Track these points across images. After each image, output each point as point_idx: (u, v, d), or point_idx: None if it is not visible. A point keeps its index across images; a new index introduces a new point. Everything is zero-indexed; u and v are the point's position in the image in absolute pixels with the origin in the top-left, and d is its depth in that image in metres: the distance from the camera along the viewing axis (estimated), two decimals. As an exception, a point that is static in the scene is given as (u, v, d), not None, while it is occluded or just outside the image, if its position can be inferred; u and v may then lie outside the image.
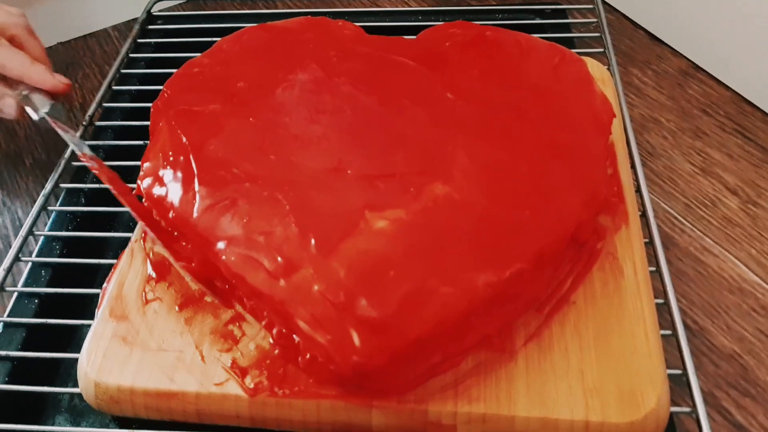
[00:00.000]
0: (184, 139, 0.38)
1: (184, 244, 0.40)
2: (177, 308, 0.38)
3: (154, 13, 0.64)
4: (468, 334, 0.35)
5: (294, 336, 0.33)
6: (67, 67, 0.66)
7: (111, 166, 0.51)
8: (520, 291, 0.35)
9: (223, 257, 0.34)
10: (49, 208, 0.48)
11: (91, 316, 0.41)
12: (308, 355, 0.33)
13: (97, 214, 0.48)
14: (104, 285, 0.41)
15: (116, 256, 0.42)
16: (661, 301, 0.39)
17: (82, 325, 0.43)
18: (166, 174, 0.37)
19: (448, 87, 0.41)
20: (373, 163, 0.37)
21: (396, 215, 0.34)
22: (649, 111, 0.57)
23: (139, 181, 0.39)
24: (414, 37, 0.48)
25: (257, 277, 0.33)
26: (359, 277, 0.32)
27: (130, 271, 0.40)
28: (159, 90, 0.55)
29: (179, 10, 0.70)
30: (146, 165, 0.39)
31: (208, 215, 0.35)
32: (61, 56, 0.67)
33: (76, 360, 0.39)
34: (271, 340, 0.36)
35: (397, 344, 0.31)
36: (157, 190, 0.37)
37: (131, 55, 0.59)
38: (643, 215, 0.44)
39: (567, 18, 0.62)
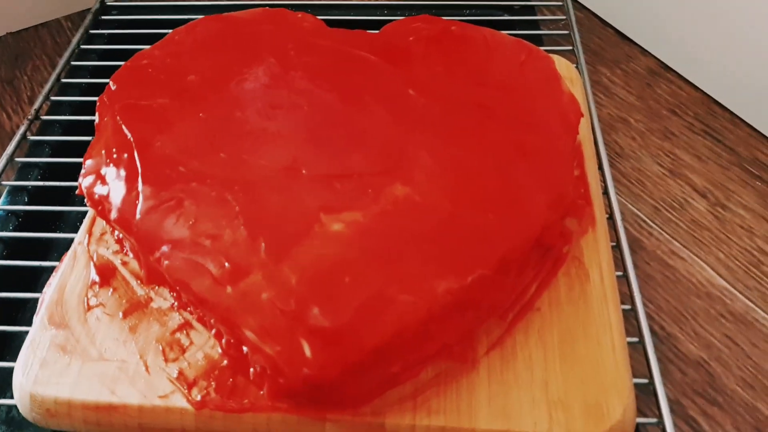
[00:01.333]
0: (129, 135, 0.36)
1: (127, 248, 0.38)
2: (121, 315, 0.36)
3: (109, 3, 0.61)
4: (428, 343, 0.33)
5: (243, 347, 0.31)
6: (16, 59, 0.63)
7: (57, 164, 0.49)
8: (483, 297, 0.34)
9: (166, 262, 0.32)
10: (-10, 206, 0.45)
11: (31, 323, 0.39)
12: (258, 367, 0.31)
13: (41, 213, 0.46)
14: (44, 289, 0.38)
15: (56, 258, 0.40)
16: (627, 307, 0.38)
17: (21, 332, 0.41)
18: (109, 172, 0.35)
19: (410, 83, 0.39)
20: (329, 162, 0.35)
21: (353, 218, 0.33)
22: (618, 111, 0.56)
23: (80, 180, 0.36)
24: (378, 31, 0.46)
25: (202, 284, 0.31)
26: (312, 284, 0.30)
27: (72, 274, 0.38)
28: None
29: (135, 1, 0.68)
30: (88, 162, 0.37)
31: (151, 217, 0.33)
32: (11, 47, 0.64)
33: (12, 370, 0.36)
34: (220, 350, 0.34)
35: (352, 355, 0.29)
36: (99, 190, 0.35)
37: (83, 46, 0.57)
38: (611, 218, 0.42)
39: (536, 15, 0.60)
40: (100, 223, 0.40)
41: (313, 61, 0.40)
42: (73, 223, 0.47)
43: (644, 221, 0.48)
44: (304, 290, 0.30)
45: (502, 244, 0.33)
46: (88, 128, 0.51)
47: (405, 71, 0.40)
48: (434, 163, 0.35)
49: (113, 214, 0.34)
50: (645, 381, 0.35)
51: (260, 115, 0.37)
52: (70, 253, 0.39)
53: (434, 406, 0.33)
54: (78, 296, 0.37)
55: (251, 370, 0.33)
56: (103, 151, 0.36)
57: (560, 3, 0.60)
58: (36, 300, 0.41)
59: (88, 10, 0.61)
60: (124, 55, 0.56)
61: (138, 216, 0.33)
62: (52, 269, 0.41)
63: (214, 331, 0.33)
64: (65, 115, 0.52)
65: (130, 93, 0.39)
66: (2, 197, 0.47)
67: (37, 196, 0.47)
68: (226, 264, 0.31)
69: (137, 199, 0.34)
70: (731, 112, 0.55)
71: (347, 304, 0.30)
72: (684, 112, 0.56)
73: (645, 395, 0.37)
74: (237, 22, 0.44)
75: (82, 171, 0.37)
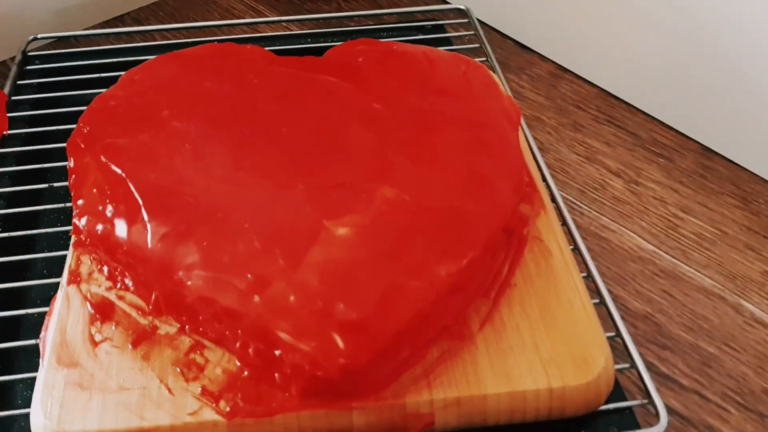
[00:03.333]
0: (120, 172, 0.38)
1: (126, 281, 0.39)
2: (130, 346, 0.37)
3: (30, 54, 0.61)
4: (430, 326, 0.37)
5: (275, 351, 0.33)
6: (-69, 117, 0.60)
7: (10, 215, 0.49)
8: (471, 279, 0.38)
9: (189, 282, 0.34)
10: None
11: (20, 371, 0.40)
12: (288, 369, 0.34)
13: (8, 264, 0.46)
14: (42, 334, 0.39)
15: (35, 305, 0.43)
16: (584, 274, 0.43)
17: (14, 381, 0.41)
18: (108, 209, 0.36)
19: (373, 98, 0.43)
20: (321, 175, 0.38)
21: (354, 221, 0.36)
22: (531, 111, 0.62)
23: (75, 221, 0.37)
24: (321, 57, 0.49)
25: (229, 297, 0.33)
26: (332, 283, 0.33)
27: (69, 316, 0.38)
28: (53, 131, 0.54)
29: (51, 49, 0.67)
30: (80, 203, 0.38)
31: (164, 243, 0.35)
32: None
33: (15, 417, 0.37)
34: (238, 363, 0.36)
35: (380, 341, 0.33)
36: (101, 227, 0.36)
37: (13, 98, 0.56)
38: (554, 201, 0.48)
39: (446, 32, 0.66)
40: (86, 263, 0.41)
41: (277, 86, 0.43)
42: (39, 271, 0.47)
43: (574, 203, 0.55)
44: (327, 289, 0.33)
45: (486, 228, 0.37)
46: (37, 176, 0.51)
47: (364, 88, 0.44)
48: (413, 165, 0.39)
49: (124, 247, 0.35)
50: (612, 334, 0.41)
51: (244, 141, 0.39)
52: (61, 296, 0.40)
53: (446, 381, 0.36)
54: (82, 334, 0.38)
55: (276, 375, 0.35)
56: (94, 190, 0.38)
57: (466, 20, 0.66)
58: (19, 349, 0.41)
59: (4, 62, 0.60)
60: (59, 102, 0.57)
61: (150, 244, 0.35)
62: (31, 317, 0.42)
63: (238, 343, 0.35)
64: (11, 166, 0.51)
65: (106, 133, 0.40)
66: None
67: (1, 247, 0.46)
68: (249, 276, 0.33)
69: (145, 229, 0.35)
70: (626, 102, 0.63)
71: (368, 296, 0.33)
72: (587, 106, 0.63)
73: (612, 347, 0.42)
74: (191, 58, 0.46)
75: (75, 211, 0.38)
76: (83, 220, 0.37)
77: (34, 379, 0.39)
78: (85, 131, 0.41)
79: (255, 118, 0.41)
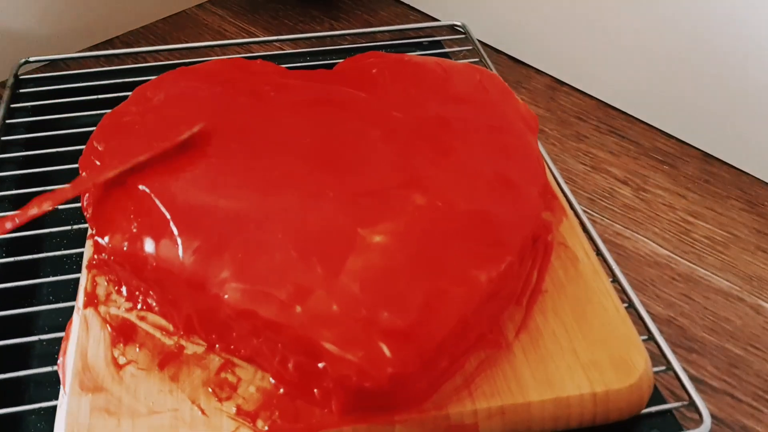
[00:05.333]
0: (144, 187, 0.36)
1: (150, 301, 0.37)
2: (157, 367, 0.36)
3: (22, 77, 0.59)
4: (469, 334, 0.36)
5: (317, 364, 0.32)
6: None
7: (12, 238, 0.47)
8: (504, 285, 0.37)
9: (226, 296, 0.32)
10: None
11: (31, 401, 0.38)
12: (329, 382, 0.32)
13: (16, 289, 0.43)
14: (59, 360, 0.37)
15: (43, 332, 0.41)
16: (610, 279, 0.43)
17: (27, 412, 0.39)
18: (133, 225, 0.35)
19: (391, 107, 0.42)
20: (349, 183, 0.37)
21: (388, 228, 0.35)
22: (533, 123, 0.62)
23: (98, 239, 0.36)
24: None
25: (270, 309, 0.32)
26: (374, 291, 0.32)
27: (89, 339, 0.37)
28: (51, 153, 0.52)
29: (41, 73, 0.66)
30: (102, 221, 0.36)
31: (197, 257, 0.33)
32: None
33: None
34: (272, 380, 0.35)
35: (426, 348, 0.32)
36: (127, 244, 0.35)
37: (8, 121, 0.54)
38: (572, 208, 0.48)
39: (444, 48, 0.66)
40: (102, 285, 0.39)
41: (296, 98, 0.42)
42: (45, 296, 0.45)
43: (586, 211, 0.54)
44: (369, 297, 0.32)
45: (518, 232, 0.37)
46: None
47: (381, 97, 0.43)
48: (440, 172, 0.38)
49: (153, 263, 0.34)
50: (644, 337, 0.40)
51: (269, 153, 0.38)
52: (78, 320, 0.38)
53: (488, 391, 0.35)
54: (104, 359, 0.36)
55: (315, 390, 0.34)
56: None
57: (462, 36, 0.66)
58: (29, 378, 0.39)
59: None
60: (55, 124, 0.55)
61: (182, 258, 0.33)
62: (41, 344, 0.40)
63: (277, 358, 0.34)
64: (10, 190, 0.49)
65: (122, 150, 0.39)
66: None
67: (3, 274, 0.44)
68: (289, 286, 0.32)
69: (175, 244, 0.34)
70: (625, 113, 0.64)
71: (411, 303, 0.32)
72: (587, 117, 0.63)
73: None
74: (203, 73, 0.45)
75: (93, 230, 0.36)
76: (107, 238, 0.35)
77: (48, 409, 0.37)
78: (100, 148, 0.40)
79: (276, 129, 0.40)
